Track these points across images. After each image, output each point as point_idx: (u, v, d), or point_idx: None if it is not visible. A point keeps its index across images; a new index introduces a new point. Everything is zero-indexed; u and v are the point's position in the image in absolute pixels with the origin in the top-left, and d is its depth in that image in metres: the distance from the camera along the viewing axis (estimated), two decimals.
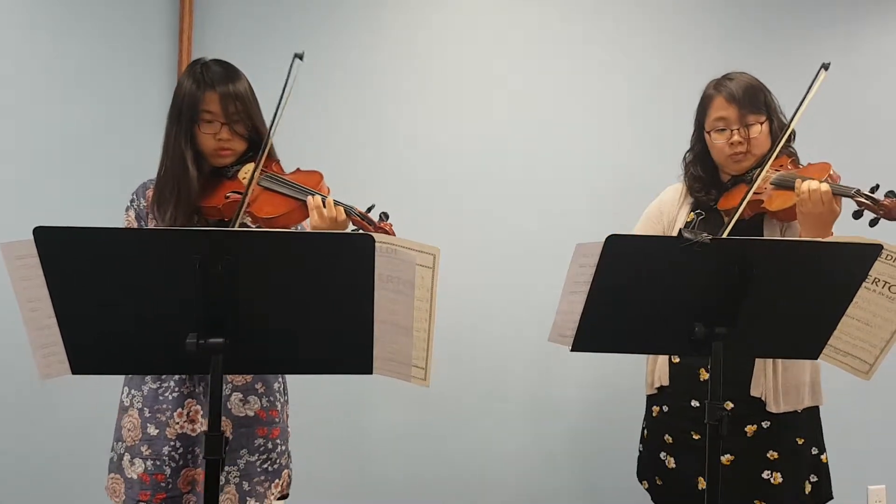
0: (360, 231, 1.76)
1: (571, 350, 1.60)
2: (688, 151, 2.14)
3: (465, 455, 2.78)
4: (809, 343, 1.67)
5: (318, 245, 1.44)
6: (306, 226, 1.92)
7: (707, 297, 1.55)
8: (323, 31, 2.71)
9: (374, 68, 2.75)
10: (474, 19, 2.85)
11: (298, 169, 1.89)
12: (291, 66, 1.72)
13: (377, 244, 1.40)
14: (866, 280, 1.57)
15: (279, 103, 1.72)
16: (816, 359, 1.68)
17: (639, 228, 2.16)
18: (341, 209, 1.76)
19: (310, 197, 1.78)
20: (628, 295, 1.56)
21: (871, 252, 1.53)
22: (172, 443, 1.76)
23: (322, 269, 1.42)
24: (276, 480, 1.85)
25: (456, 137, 2.80)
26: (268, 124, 1.81)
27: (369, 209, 1.79)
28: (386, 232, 1.75)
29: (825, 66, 1.84)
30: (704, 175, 2.07)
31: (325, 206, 1.75)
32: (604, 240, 1.47)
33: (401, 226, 1.79)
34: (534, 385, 2.83)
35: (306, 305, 1.44)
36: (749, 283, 1.51)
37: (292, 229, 1.87)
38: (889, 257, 1.55)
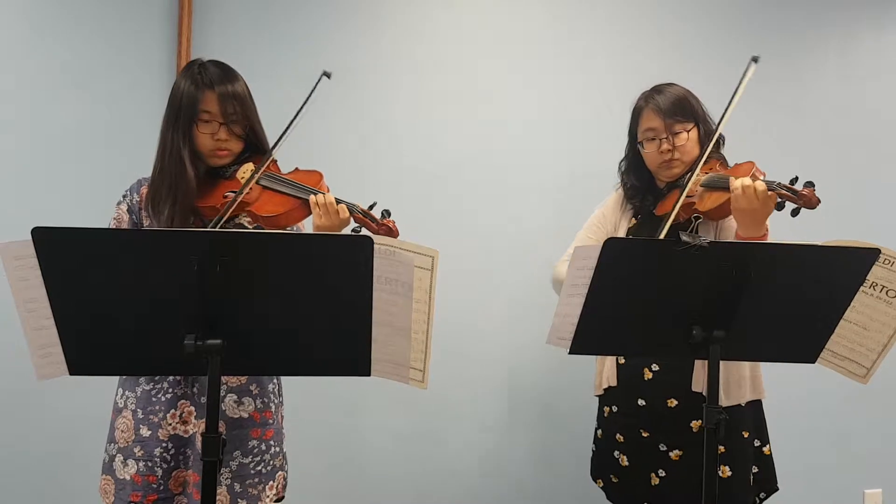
0: (363, 229, 1.76)
1: (570, 353, 1.60)
2: (622, 161, 2.21)
3: (461, 456, 2.78)
4: (807, 347, 1.67)
5: (316, 246, 1.44)
6: (302, 226, 1.92)
7: (705, 301, 1.55)
8: (322, 32, 2.71)
9: (372, 68, 2.75)
10: (474, 18, 2.85)
11: (297, 168, 1.89)
12: (318, 82, 1.75)
13: (376, 246, 1.40)
14: (864, 284, 1.58)
15: (297, 114, 1.75)
16: (814, 362, 1.69)
17: (581, 234, 2.20)
18: (344, 207, 1.77)
19: (312, 195, 1.78)
20: (626, 298, 1.56)
21: (869, 256, 1.54)
22: (164, 444, 1.76)
23: (320, 271, 1.42)
24: (271, 482, 1.84)
25: (455, 137, 2.80)
26: (268, 126, 1.82)
27: (371, 206, 1.79)
28: (389, 228, 1.75)
29: (755, 60, 1.92)
30: (639, 183, 2.15)
31: (328, 204, 1.75)
32: (602, 243, 1.48)
33: (400, 226, 1.79)
34: (531, 386, 2.83)
35: (304, 307, 1.44)
36: (746, 287, 1.52)
37: (293, 228, 1.87)
38: (887, 261, 1.56)
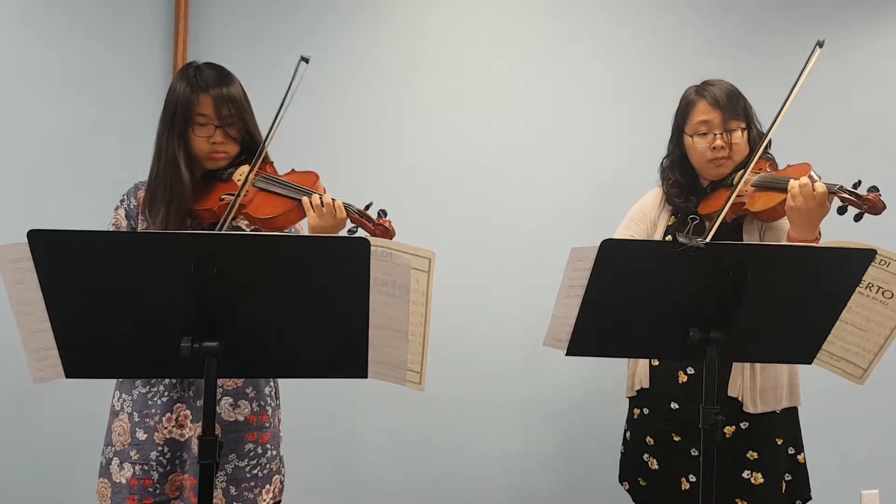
0: (359, 229, 1.76)
1: (566, 354, 1.60)
2: (665, 157, 2.15)
3: (458, 458, 2.77)
4: (804, 348, 1.67)
5: (312, 248, 1.44)
6: (300, 228, 1.92)
7: (702, 302, 1.55)
8: (319, 33, 2.71)
9: (370, 69, 2.75)
10: (473, 18, 2.85)
11: (293, 170, 1.89)
12: (297, 69, 1.72)
13: (372, 248, 1.40)
14: (860, 285, 1.58)
15: (281, 105, 1.72)
16: (811, 363, 1.69)
17: (622, 229, 2.16)
18: (341, 206, 1.75)
19: (306, 196, 1.77)
20: (623, 299, 1.56)
21: (866, 257, 1.54)
22: (160, 448, 1.75)
23: (317, 273, 1.41)
24: (268, 486, 1.84)
25: (453, 138, 2.80)
26: (265, 126, 1.81)
27: (367, 206, 1.79)
28: (385, 228, 1.74)
29: (819, 44, 1.85)
30: (683, 181, 2.09)
31: (322, 205, 1.74)
32: (598, 244, 1.48)
33: (397, 227, 1.78)
34: (527, 387, 2.82)
35: (301, 309, 1.44)
36: (743, 288, 1.51)
37: (290, 229, 1.87)
38: (883, 262, 1.56)
